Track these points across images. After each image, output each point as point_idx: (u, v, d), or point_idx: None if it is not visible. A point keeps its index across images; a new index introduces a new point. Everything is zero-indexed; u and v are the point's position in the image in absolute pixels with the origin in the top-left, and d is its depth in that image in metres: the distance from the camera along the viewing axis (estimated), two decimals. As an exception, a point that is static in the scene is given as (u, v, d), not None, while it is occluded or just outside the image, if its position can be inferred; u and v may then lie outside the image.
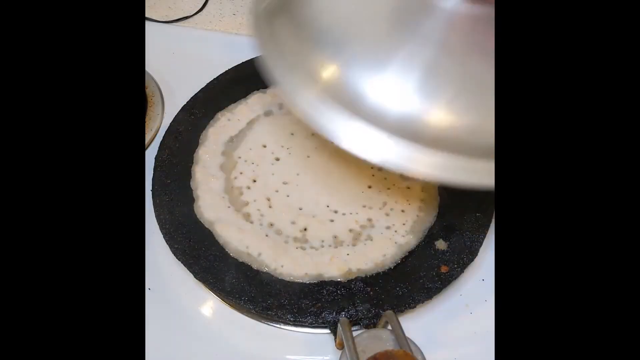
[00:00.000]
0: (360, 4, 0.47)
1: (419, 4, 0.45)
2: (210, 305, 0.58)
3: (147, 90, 0.74)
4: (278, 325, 0.56)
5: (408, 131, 0.43)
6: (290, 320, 0.51)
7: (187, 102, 0.68)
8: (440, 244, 0.57)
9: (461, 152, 0.44)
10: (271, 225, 0.59)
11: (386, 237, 0.58)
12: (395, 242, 0.57)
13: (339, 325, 0.49)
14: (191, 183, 0.62)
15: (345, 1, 0.48)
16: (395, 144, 0.43)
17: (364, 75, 0.44)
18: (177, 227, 0.57)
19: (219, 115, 0.68)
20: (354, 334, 0.46)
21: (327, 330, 0.54)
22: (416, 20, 0.45)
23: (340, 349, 0.53)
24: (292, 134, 0.67)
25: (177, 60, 0.79)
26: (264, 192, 0.62)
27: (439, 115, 0.43)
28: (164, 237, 0.57)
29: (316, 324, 0.51)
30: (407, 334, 0.45)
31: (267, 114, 0.68)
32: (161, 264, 0.60)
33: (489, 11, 0.42)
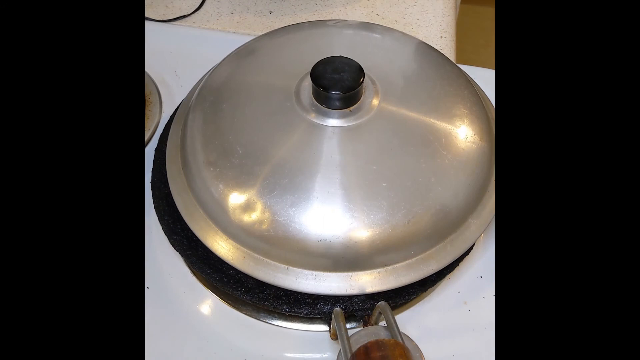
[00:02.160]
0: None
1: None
2: (209, 304, 0.58)
3: (145, 90, 0.74)
4: (277, 324, 0.56)
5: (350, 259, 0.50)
6: (286, 311, 0.51)
7: (184, 102, 0.68)
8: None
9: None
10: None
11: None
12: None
13: (332, 315, 0.50)
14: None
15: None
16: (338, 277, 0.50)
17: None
18: (176, 220, 0.57)
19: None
20: (351, 332, 0.46)
21: (325, 328, 0.55)
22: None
23: (334, 339, 0.54)
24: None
25: (175, 59, 0.79)
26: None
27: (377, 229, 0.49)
28: (162, 228, 0.57)
29: (311, 315, 0.51)
30: (405, 332, 0.45)
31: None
32: (160, 263, 0.60)
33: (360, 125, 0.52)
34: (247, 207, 0.50)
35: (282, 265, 0.50)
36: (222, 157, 0.52)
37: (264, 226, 0.49)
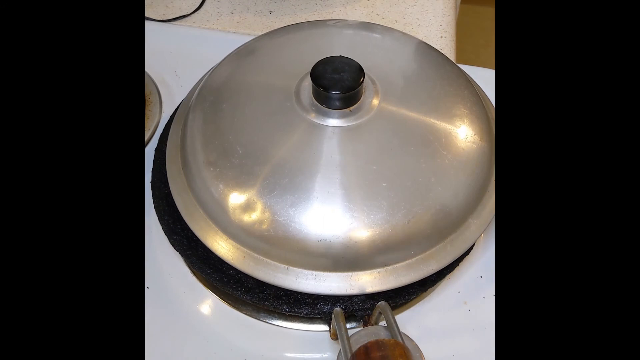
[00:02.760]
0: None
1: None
2: (209, 304, 0.58)
3: (145, 90, 0.74)
4: (277, 323, 0.56)
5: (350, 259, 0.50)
6: (286, 311, 0.51)
7: (184, 102, 0.68)
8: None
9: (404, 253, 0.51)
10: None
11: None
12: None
13: (332, 315, 0.50)
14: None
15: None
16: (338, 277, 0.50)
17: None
18: (176, 220, 0.57)
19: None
20: (351, 332, 0.46)
21: (325, 328, 0.55)
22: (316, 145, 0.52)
23: (334, 339, 0.54)
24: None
25: (175, 59, 0.79)
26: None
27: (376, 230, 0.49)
28: (162, 228, 0.57)
29: (311, 315, 0.51)
30: (405, 332, 0.45)
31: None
32: (160, 263, 0.60)
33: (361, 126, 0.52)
34: (247, 207, 0.50)
35: (282, 265, 0.50)
36: (222, 157, 0.52)
37: (264, 226, 0.49)
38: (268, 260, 0.50)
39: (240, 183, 0.50)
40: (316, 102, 0.53)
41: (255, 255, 0.50)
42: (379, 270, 0.50)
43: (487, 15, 1.81)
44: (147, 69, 0.76)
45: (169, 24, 0.86)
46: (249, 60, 0.61)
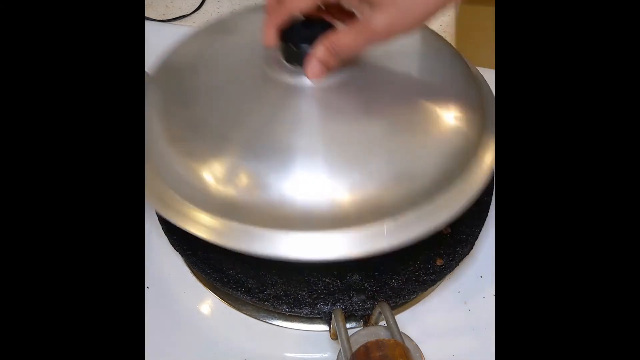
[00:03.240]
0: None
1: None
2: (209, 304, 0.58)
3: (145, 89, 0.74)
4: (277, 323, 0.56)
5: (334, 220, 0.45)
6: (286, 311, 0.52)
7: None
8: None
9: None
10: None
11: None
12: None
13: (332, 315, 0.50)
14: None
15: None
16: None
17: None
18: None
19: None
20: (351, 332, 0.46)
21: (324, 328, 0.55)
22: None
23: (334, 339, 0.54)
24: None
25: (175, 59, 0.79)
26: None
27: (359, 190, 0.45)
28: (162, 227, 0.57)
29: (311, 315, 0.51)
30: (405, 332, 0.45)
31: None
32: (160, 263, 0.60)
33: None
34: (226, 177, 0.46)
35: (267, 233, 0.45)
36: (190, 131, 0.49)
37: (246, 195, 0.45)
38: (251, 227, 0.45)
39: (215, 154, 0.47)
40: (287, 63, 0.49)
41: (240, 226, 0.45)
42: (375, 227, 0.45)
43: (487, 15, 1.81)
44: (147, 69, 0.76)
45: (169, 24, 0.86)
46: (213, 35, 0.59)
